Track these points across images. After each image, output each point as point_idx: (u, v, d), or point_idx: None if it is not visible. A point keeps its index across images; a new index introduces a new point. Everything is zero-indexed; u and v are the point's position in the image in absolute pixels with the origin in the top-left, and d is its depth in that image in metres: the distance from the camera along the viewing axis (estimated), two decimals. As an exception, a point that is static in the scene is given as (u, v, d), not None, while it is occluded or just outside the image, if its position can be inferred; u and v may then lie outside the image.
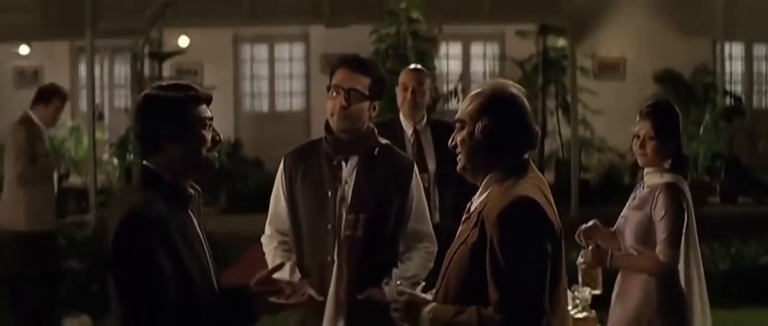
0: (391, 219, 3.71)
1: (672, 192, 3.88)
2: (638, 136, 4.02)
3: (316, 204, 3.70)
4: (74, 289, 7.23)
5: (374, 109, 3.74)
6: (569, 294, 3.71)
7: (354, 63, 3.71)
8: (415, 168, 3.83)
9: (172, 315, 2.65)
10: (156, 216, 2.67)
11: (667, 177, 3.95)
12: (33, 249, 6.58)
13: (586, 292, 3.83)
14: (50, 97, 7.06)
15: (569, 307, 3.67)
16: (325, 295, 3.65)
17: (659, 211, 3.86)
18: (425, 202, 3.86)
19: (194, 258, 2.76)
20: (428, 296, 2.81)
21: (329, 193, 3.68)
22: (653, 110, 4.03)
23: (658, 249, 3.86)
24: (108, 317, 6.72)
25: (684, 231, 3.88)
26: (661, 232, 3.85)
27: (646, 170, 4.02)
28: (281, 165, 3.84)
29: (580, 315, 3.79)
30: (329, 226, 3.66)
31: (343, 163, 3.72)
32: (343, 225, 3.66)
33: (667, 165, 3.98)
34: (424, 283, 2.90)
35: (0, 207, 6.78)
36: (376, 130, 3.81)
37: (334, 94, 3.68)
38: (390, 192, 3.71)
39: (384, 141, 3.83)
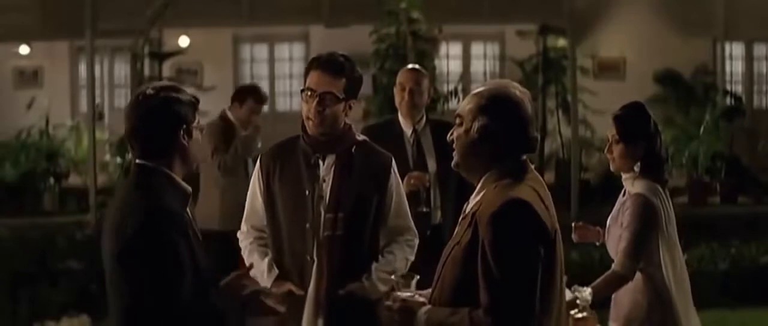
0: (370, 216, 3.70)
1: (637, 203, 3.86)
2: (608, 140, 4.03)
3: (293, 203, 3.68)
4: (74, 289, 7.23)
5: (350, 107, 3.69)
6: (569, 294, 3.71)
7: (328, 65, 3.65)
8: (394, 164, 3.80)
9: (186, 308, 2.67)
10: (177, 212, 2.70)
11: (637, 186, 3.93)
12: (226, 248, 6.59)
13: (586, 292, 3.83)
14: (245, 97, 6.97)
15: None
16: (303, 294, 3.64)
17: (624, 222, 3.87)
18: (405, 198, 3.85)
19: (203, 253, 2.80)
20: (422, 298, 2.80)
21: (307, 192, 3.66)
22: (619, 114, 4.01)
23: (616, 259, 3.87)
24: (108, 317, 6.73)
25: (647, 241, 3.85)
26: (622, 242, 3.85)
27: (622, 176, 4.02)
28: (259, 163, 3.82)
29: (580, 315, 3.78)
30: (307, 225, 3.64)
31: (321, 162, 3.70)
32: (322, 224, 3.64)
33: (637, 168, 3.96)
34: (418, 276, 2.88)
35: (198, 205, 6.82)
36: (353, 127, 3.78)
37: (309, 96, 3.64)
38: (369, 190, 3.69)
39: (362, 137, 3.81)
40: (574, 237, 4.24)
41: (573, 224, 4.27)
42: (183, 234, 2.69)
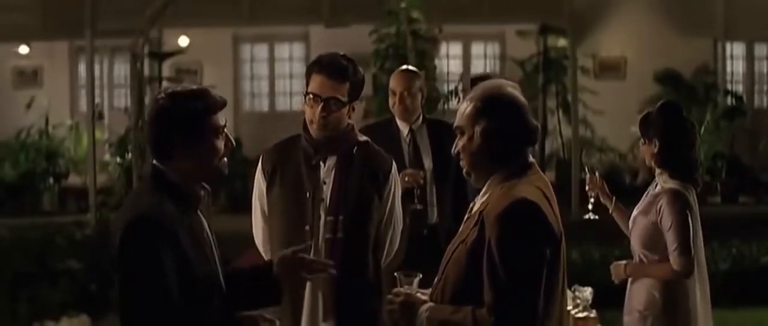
0: (371, 219, 3.67)
1: (674, 200, 3.89)
2: None
3: (294, 204, 3.65)
4: (74, 289, 7.22)
5: (353, 109, 3.67)
6: (569, 294, 3.71)
7: (332, 70, 3.60)
8: (394, 168, 3.78)
9: (171, 320, 2.62)
10: (164, 219, 2.64)
11: (671, 183, 3.95)
12: None
13: (586, 292, 3.83)
14: None
15: (569, 307, 3.67)
16: (300, 298, 3.62)
17: (666, 221, 3.88)
18: (400, 209, 3.82)
19: (202, 260, 2.74)
20: (424, 295, 2.80)
21: (307, 194, 3.63)
22: (646, 113, 4.09)
23: (671, 259, 3.88)
24: (107, 317, 6.73)
25: (692, 230, 3.88)
26: (671, 243, 3.87)
27: (657, 170, 4.05)
28: (260, 163, 3.80)
29: (580, 315, 3.78)
30: (307, 228, 3.62)
31: (322, 163, 3.68)
32: (322, 227, 3.61)
33: (656, 164, 3.99)
34: (421, 275, 2.87)
35: None
36: (355, 128, 3.76)
37: (312, 101, 3.61)
38: (369, 192, 3.66)
39: (363, 138, 3.78)
40: (589, 187, 4.37)
41: (588, 175, 4.37)
42: (170, 246, 2.61)
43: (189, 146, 2.72)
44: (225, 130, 2.79)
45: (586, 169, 4.45)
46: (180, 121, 2.70)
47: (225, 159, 2.80)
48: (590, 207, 4.38)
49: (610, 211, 4.34)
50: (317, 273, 2.97)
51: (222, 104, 2.78)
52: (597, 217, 4.37)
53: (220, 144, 2.77)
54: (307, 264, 2.91)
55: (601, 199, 4.35)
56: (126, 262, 2.62)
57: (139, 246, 2.60)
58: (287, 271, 2.88)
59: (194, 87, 2.81)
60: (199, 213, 2.80)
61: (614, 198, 4.32)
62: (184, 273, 2.64)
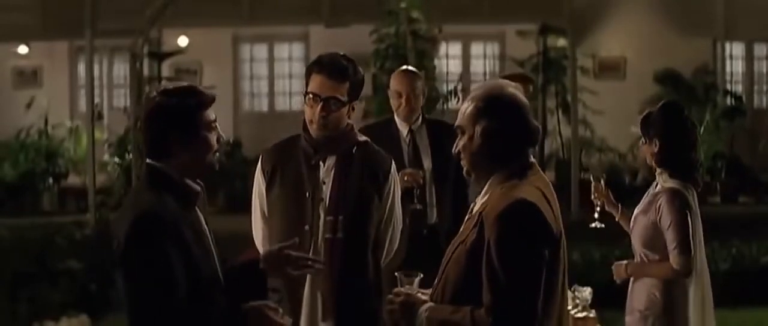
0: (371, 218, 3.67)
1: (673, 199, 3.90)
2: None
3: (294, 204, 3.65)
4: (74, 289, 7.22)
5: (353, 109, 3.68)
6: (569, 294, 3.71)
7: (332, 70, 3.61)
8: (394, 168, 3.78)
9: (180, 314, 2.64)
10: (168, 216, 2.67)
11: (670, 183, 3.96)
12: None
13: (586, 292, 3.83)
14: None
15: (569, 307, 3.67)
16: (300, 297, 3.62)
17: (665, 221, 3.89)
18: (400, 208, 3.82)
19: (204, 255, 2.77)
20: (424, 295, 2.80)
21: (307, 194, 3.64)
22: (647, 113, 4.10)
23: (671, 258, 3.89)
24: (107, 317, 6.71)
25: (691, 229, 3.89)
26: (670, 242, 3.88)
27: (657, 169, 4.06)
28: (259, 162, 3.80)
29: (580, 315, 3.79)
30: (306, 228, 3.62)
31: (321, 163, 3.68)
32: (322, 227, 3.62)
33: (655, 164, 4.01)
34: (421, 275, 2.87)
35: None
36: (355, 127, 3.77)
37: (312, 100, 3.62)
38: (368, 192, 3.67)
39: (363, 138, 3.78)
40: (594, 195, 4.33)
41: (593, 184, 4.35)
42: (175, 241, 2.64)
43: (185, 142, 2.75)
44: (215, 124, 2.81)
45: (592, 177, 4.43)
46: (175, 118, 2.74)
47: (216, 154, 2.83)
48: (596, 215, 4.34)
49: (617, 219, 4.32)
50: (303, 270, 3.01)
51: (212, 99, 2.82)
52: (603, 226, 4.34)
53: (213, 138, 2.81)
54: (293, 260, 2.94)
55: (607, 207, 4.33)
56: (133, 259, 2.64)
57: (146, 243, 2.62)
58: (272, 267, 2.92)
59: (183, 84, 2.85)
60: (196, 209, 2.83)
61: (620, 205, 4.31)
62: (189, 267, 2.66)
